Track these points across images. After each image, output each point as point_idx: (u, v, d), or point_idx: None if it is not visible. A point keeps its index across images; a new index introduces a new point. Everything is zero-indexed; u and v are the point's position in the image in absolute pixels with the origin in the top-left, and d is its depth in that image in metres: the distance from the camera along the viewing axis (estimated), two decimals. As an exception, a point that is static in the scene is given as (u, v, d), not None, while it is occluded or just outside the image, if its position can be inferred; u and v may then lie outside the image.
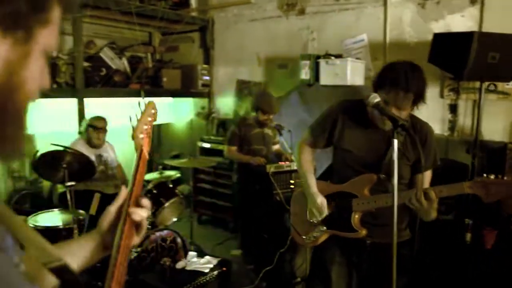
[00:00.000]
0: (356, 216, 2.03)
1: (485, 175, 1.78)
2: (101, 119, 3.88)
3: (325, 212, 2.10)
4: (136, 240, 0.94)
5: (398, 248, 1.73)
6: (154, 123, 1.12)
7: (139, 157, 1.01)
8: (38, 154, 3.22)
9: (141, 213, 0.91)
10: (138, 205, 0.93)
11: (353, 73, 3.98)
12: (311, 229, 2.20)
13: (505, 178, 1.76)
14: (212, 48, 5.60)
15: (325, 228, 2.15)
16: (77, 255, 0.90)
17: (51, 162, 3.19)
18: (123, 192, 0.95)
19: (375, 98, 1.77)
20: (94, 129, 3.81)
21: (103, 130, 3.87)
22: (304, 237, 2.24)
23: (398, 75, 1.83)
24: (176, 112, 6.07)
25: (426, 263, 2.95)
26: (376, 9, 4.28)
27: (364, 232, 2.03)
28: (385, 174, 1.97)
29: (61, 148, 3.21)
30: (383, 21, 4.24)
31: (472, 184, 1.79)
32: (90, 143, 3.83)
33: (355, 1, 4.42)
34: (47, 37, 0.60)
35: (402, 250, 1.92)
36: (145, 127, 1.06)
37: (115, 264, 0.82)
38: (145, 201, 0.94)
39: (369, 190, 2.00)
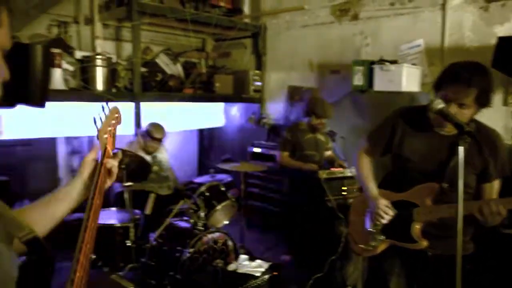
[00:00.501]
0: (417, 226, 1.95)
1: None
2: (161, 130, 3.96)
3: (391, 213, 2.03)
4: (109, 183, 1.18)
5: (462, 262, 1.67)
6: (119, 125, 1.32)
7: (103, 153, 1.19)
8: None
9: (112, 162, 1.16)
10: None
11: (408, 79, 3.88)
12: (370, 238, 2.13)
13: None
14: (264, 54, 5.65)
15: (383, 237, 2.09)
16: (67, 199, 1.15)
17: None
18: (95, 149, 1.18)
19: (439, 104, 1.72)
20: (152, 138, 3.91)
21: (160, 141, 3.97)
22: (362, 246, 2.18)
23: (460, 69, 1.78)
24: (227, 117, 6.17)
25: (489, 279, 2.80)
26: (433, 13, 4.15)
27: (424, 243, 1.95)
28: (448, 183, 1.88)
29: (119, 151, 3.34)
30: (441, 25, 4.10)
31: None
32: (144, 149, 3.96)
33: (411, 6, 4.32)
34: (1, 37, 0.69)
35: (465, 264, 1.83)
36: (109, 128, 1.23)
37: (92, 202, 1.04)
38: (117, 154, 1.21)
39: (431, 200, 1.92)
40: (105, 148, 1.20)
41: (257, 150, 5.08)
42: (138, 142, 4.00)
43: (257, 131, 5.58)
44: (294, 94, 5.30)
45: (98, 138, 1.19)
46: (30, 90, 2.38)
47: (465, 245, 1.85)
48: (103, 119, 1.23)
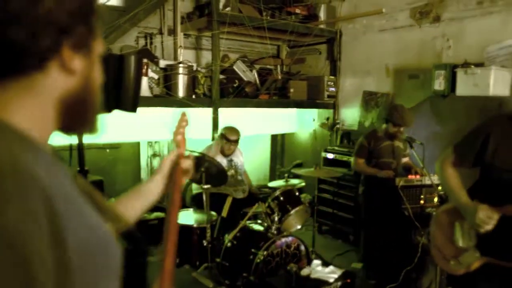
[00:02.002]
0: None
1: None
2: (235, 132, 4.13)
3: (495, 216, 1.82)
4: (183, 180, 1.30)
5: None
6: (187, 127, 1.42)
7: (178, 155, 1.31)
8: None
9: (188, 161, 1.28)
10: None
11: (496, 82, 3.65)
12: (460, 253, 1.95)
13: None
14: (339, 60, 5.61)
15: (478, 254, 1.89)
16: (148, 195, 1.24)
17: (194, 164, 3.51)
18: (172, 153, 1.29)
19: None
20: (227, 141, 4.08)
21: (236, 142, 4.13)
22: (452, 262, 2.00)
23: None
24: (301, 122, 6.20)
25: None
26: (527, 11, 3.87)
27: None
28: None
29: (200, 155, 3.52)
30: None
31: None
32: (222, 152, 4.13)
33: (502, 3, 4.05)
34: (98, 46, 0.79)
35: None
36: (181, 130, 1.37)
37: (174, 198, 1.17)
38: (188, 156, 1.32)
39: None
40: (179, 148, 1.33)
41: (330, 156, 5.06)
42: (216, 145, 4.18)
43: (331, 137, 5.55)
44: (369, 99, 5.20)
45: (173, 139, 1.34)
46: (124, 96, 2.61)
47: None
48: (175, 123, 1.39)
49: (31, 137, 0.68)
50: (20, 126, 0.67)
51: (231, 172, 4.09)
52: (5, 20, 0.63)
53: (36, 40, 0.65)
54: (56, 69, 0.70)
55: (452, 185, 2.05)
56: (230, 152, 4.15)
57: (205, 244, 3.39)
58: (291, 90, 5.15)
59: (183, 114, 1.41)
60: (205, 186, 3.40)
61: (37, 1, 0.65)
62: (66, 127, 0.78)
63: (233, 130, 4.14)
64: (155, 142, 5.26)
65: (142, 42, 4.96)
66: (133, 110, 2.82)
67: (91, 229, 0.70)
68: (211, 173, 3.47)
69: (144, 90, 4.10)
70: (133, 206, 1.20)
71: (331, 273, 3.02)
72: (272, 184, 4.17)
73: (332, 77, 5.49)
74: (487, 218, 1.82)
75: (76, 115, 0.78)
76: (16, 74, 0.67)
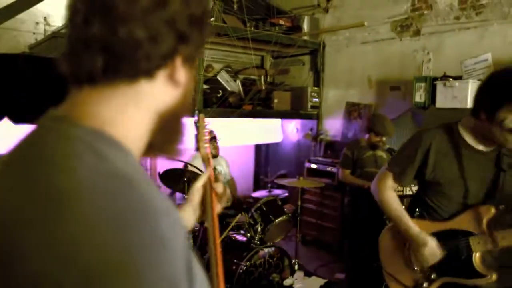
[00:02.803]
0: (478, 257, 1.75)
1: None
2: (210, 131, 4.14)
3: (439, 255, 1.79)
4: (219, 207, 1.21)
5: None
6: (210, 129, 1.41)
7: (208, 163, 1.29)
8: (164, 169, 3.56)
9: (220, 187, 1.20)
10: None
11: (474, 95, 3.73)
12: (416, 277, 1.87)
13: None
14: (322, 71, 5.68)
15: (435, 275, 1.84)
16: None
17: (174, 176, 3.49)
18: (205, 175, 1.21)
19: None
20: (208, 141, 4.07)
21: (215, 139, 4.10)
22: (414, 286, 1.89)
23: None
24: (285, 133, 6.23)
25: None
26: (503, 26, 3.98)
27: (494, 276, 1.73)
28: (500, 204, 1.75)
29: (181, 166, 3.50)
30: (511, 38, 3.92)
31: None
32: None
33: (479, 19, 4.16)
34: (196, 62, 0.72)
35: None
36: (205, 137, 1.32)
37: (213, 225, 1.11)
38: (219, 179, 1.24)
39: (486, 225, 1.74)
40: (208, 158, 1.30)
41: (313, 166, 5.09)
42: (198, 155, 4.16)
43: (314, 147, 5.59)
44: (352, 110, 5.26)
45: (198, 149, 1.29)
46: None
47: None
48: (197, 131, 1.33)
49: (132, 153, 0.61)
50: (122, 140, 0.61)
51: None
52: (130, 15, 0.58)
53: (154, 43, 0.60)
54: (163, 78, 0.64)
55: (396, 211, 1.91)
56: (216, 152, 4.11)
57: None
58: (275, 100, 5.18)
59: (202, 117, 1.32)
60: (187, 196, 3.37)
61: (165, 2, 0.60)
62: (152, 146, 0.68)
63: (208, 131, 4.14)
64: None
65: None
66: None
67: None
68: (193, 183, 3.44)
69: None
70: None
71: (313, 284, 3.02)
72: (256, 194, 4.17)
73: (315, 88, 5.54)
74: (431, 256, 1.79)
75: (168, 133, 0.70)
76: (126, 77, 0.61)
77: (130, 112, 0.62)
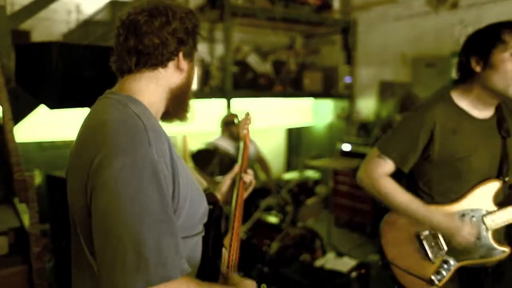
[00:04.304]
0: (491, 234, 1.66)
1: None
2: (233, 114, 4.15)
3: (475, 229, 1.63)
4: (244, 195, 1.42)
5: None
6: (251, 125, 1.56)
7: (244, 144, 1.48)
8: (195, 149, 3.59)
9: (249, 176, 1.41)
10: (246, 173, 1.42)
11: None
12: (434, 266, 1.70)
13: None
14: (354, 50, 5.53)
15: (453, 260, 1.70)
16: None
17: (205, 156, 3.51)
18: (236, 167, 1.42)
19: None
20: (232, 123, 4.07)
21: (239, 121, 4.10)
22: (432, 277, 1.71)
23: (501, 22, 1.60)
24: (317, 114, 6.15)
25: None
26: (548, -4, 3.73)
27: (508, 249, 1.65)
28: (507, 176, 1.67)
29: (210, 147, 3.52)
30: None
31: None
32: (232, 136, 4.09)
33: (521, -12, 3.92)
34: (195, 58, 1.16)
35: None
36: (246, 126, 1.52)
37: (236, 208, 1.32)
38: (249, 171, 1.43)
39: (494, 201, 1.66)
40: (245, 141, 1.49)
41: (346, 147, 5.00)
42: (224, 133, 4.17)
43: (347, 128, 5.49)
44: (385, 89, 5.11)
45: (239, 133, 1.50)
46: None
47: None
48: (241, 119, 1.55)
49: (149, 111, 1.06)
50: (145, 102, 1.06)
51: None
52: (150, 31, 1.04)
53: (165, 45, 1.05)
54: (173, 67, 1.09)
55: (406, 202, 1.68)
56: (238, 135, 4.11)
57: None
58: (306, 81, 5.11)
59: (247, 114, 1.55)
60: (218, 179, 3.39)
61: (169, 22, 1.05)
62: (168, 113, 1.14)
63: (231, 114, 4.15)
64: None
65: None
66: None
67: (189, 176, 1.07)
68: (224, 164, 3.46)
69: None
70: None
71: (345, 264, 3.00)
72: (287, 175, 4.15)
73: (347, 67, 5.41)
74: (470, 237, 1.63)
75: (178, 103, 1.13)
76: (149, 66, 1.07)
77: (151, 87, 1.09)
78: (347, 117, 5.42)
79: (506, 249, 1.67)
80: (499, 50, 1.53)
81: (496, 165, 1.68)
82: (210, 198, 1.20)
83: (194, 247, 1.11)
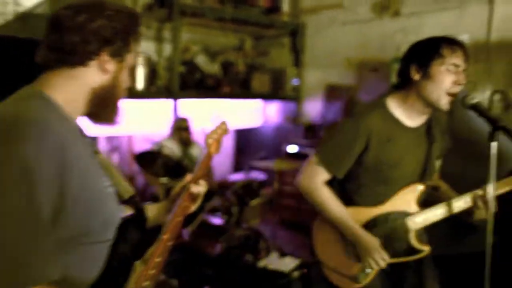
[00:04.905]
0: (413, 235, 1.77)
1: None
2: (185, 120, 4.13)
3: (386, 260, 1.72)
4: (193, 208, 1.32)
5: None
6: (225, 135, 1.45)
7: (206, 154, 1.36)
8: (140, 150, 3.51)
9: (198, 188, 1.26)
10: (197, 184, 1.28)
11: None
12: (360, 265, 1.79)
13: None
14: (303, 52, 5.61)
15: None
16: (154, 210, 1.34)
17: (149, 159, 3.44)
18: (188, 176, 1.30)
19: (474, 99, 1.62)
20: (183, 129, 4.04)
21: (188, 128, 4.07)
22: (356, 275, 1.79)
23: (441, 37, 1.69)
24: (264, 116, 6.19)
25: None
26: (480, 7, 3.97)
27: (427, 248, 1.79)
28: (429, 179, 1.80)
29: (156, 147, 3.46)
30: (488, 20, 3.91)
31: None
32: (182, 141, 4.06)
33: (457, 0, 4.14)
34: (131, 59, 1.11)
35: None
36: (215, 135, 1.39)
37: (173, 218, 1.19)
38: (202, 182, 1.29)
39: (416, 203, 1.77)
40: (208, 150, 1.36)
41: (292, 148, 5.07)
42: (173, 136, 4.12)
43: (294, 130, 5.56)
44: (332, 92, 5.23)
45: (205, 140, 1.36)
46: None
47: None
48: (213, 127, 1.41)
49: (61, 108, 1.00)
50: (57, 99, 1.00)
51: (185, 163, 4.04)
52: (71, 28, 0.99)
53: (86, 44, 1.00)
54: (95, 67, 1.04)
55: (338, 213, 1.76)
56: (187, 140, 4.08)
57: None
58: (254, 82, 5.13)
59: (223, 124, 1.43)
60: (163, 180, 3.34)
61: (93, 19, 1.00)
62: (93, 114, 1.09)
63: (182, 119, 4.15)
64: (113, 136, 5.13)
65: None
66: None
67: (91, 179, 0.99)
68: (168, 166, 3.41)
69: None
70: (151, 213, 1.32)
71: (288, 264, 3.03)
72: (233, 177, 4.15)
73: (295, 69, 5.49)
74: (381, 260, 1.72)
75: (102, 104, 1.08)
76: (67, 65, 1.02)
77: (69, 85, 1.03)
78: (294, 119, 5.49)
79: (426, 249, 1.79)
80: (438, 63, 1.62)
81: (420, 169, 1.79)
82: (132, 205, 1.12)
83: (91, 255, 1.02)
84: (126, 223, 1.09)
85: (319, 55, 5.46)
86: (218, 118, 1.46)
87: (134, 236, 1.12)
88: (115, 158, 5.04)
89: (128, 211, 1.13)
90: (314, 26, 5.49)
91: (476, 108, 1.62)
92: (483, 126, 1.60)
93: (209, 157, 1.35)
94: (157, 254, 1.11)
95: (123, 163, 5.15)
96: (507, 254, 1.92)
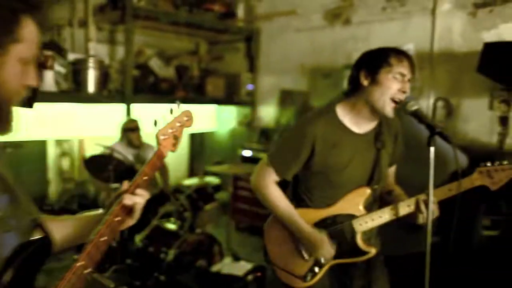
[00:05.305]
0: (359, 236, 1.84)
1: (488, 163, 1.80)
2: (134, 121, 4.05)
3: (333, 251, 1.81)
4: (130, 222, 1.09)
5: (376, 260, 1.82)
6: (188, 129, 1.24)
7: (156, 153, 1.15)
8: (89, 155, 3.40)
9: (134, 199, 1.05)
10: (134, 194, 1.08)
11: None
12: (307, 265, 1.85)
13: (504, 163, 1.80)
14: (257, 58, 5.68)
15: (324, 260, 1.85)
16: (81, 230, 1.11)
17: (99, 164, 3.35)
18: (125, 183, 1.09)
19: (414, 106, 1.69)
20: (131, 130, 3.95)
21: (138, 129, 3.98)
22: (304, 274, 1.85)
23: (390, 47, 1.77)
24: (219, 120, 6.20)
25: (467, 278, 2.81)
26: (424, 18, 4.18)
27: (374, 250, 1.86)
28: (377, 184, 1.87)
29: (106, 151, 3.37)
30: (431, 30, 4.13)
31: (479, 175, 1.79)
32: (131, 144, 3.96)
33: (402, 11, 4.35)
34: (21, 50, 0.87)
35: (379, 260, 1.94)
36: (170, 130, 1.18)
37: (94, 239, 0.99)
38: (140, 191, 1.08)
39: (364, 206, 1.84)
40: (158, 149, 1.16)
41: (247, 153, 5.10)
42: (122, 139, 4.02)
43: (248, 134, 5.60)
44: (285, 97, 5.32)
45: (156, 137, 1.16)
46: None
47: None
48: (168, 120, 1.20)
49: None
50: None
51: (138, 167, 3.96)
52: None
53: None
54: None
55: (285, 211, 1.82)
56: (138, 142, 3.98)
57: (113, 246, 3.25)
58: (209, 87, 5.13)
59: (185, 112, 1.23)
60: (114, 185, 3.26)
61: None
62: None
63: (131, 120, 4.05)
64: (65, 140, 4.97)
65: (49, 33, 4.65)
66: (29, 105, 2.61)
67: None
68: (120, 171, 3.33)
69: (49, 85, 3.85)
70: (62, 233, 1.10)
71: (242, 268, 3.05)
72: (187, 182, 4.12)
73: (250, 75, 5.54)
74: (328, 255, 1.80)
75: None
76: None
77: None
78: (249, 123, 5.54)
79: (372, 250, 1.86)
80: (385, 70, 1.70)
81: (368, 174, 1.85)
82: (36, 229, 0.95)
83: None
84: (20, 248, 0.89)
85: (274, 61, 5.55)
86: (177, 107, 1.23)
87: (31, 267, 0.91)
88: (65, 163, 4.88)
89: (32, 236, 0.94)
90: (269, 32, 5.58)
91: (415, 114, 1.69)
92: (425, 131, 1.69)
93: (159, 157, 1.14)
94: (71, 274, 0.93)
95: (74, 168, 4.99)
96: (448, 254, 2.03)
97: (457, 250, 2.46)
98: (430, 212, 1.65)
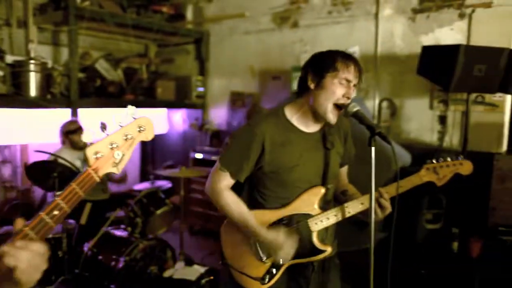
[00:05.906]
0: (316, 235, 1.85)
1: (434, 160, 1.90)
2: (74, 122, 3.91)
3: (295, 244, 1.79)
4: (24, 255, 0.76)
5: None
6: (143, 139, 0.98)
7: (78, 178, 0.86)
8: (31, 162, 3.24)
9: (18, 256, 0.72)
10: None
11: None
12: (265, 266, 1.84)
13: (448, 159, 1.92)
14: (207, 60, 5.67)
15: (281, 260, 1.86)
16: None
17: (43, 171, 3.21)
18: (19, 221, 0.80)
19: (355, 107, 1.74)
20: (73, 132, 3.81)
21: (81, 129, 3.84)
22: (262, 275, 1.84)
23: (338, 51, 1.78)
24: (170, 123, 6.12)
25: (411, 271, 2.95)
26: (367, 22, 4.34)
27: (330, 249, 1.87)
28: (330, 183, 1.91)
29: (50, 157, 3.23)
30: (375, 34, 4.30)
31: (426, 172, 1.89)
32: (75, 147, 3.81)
33: (347, 15, 4.49)
34: None
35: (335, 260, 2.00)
36: (113, 145, 0.93)
37: None
38: (36, 245, 0.76)
39: (319, 205, 1.86)
40: (86, 170, 0.88)
41: (199, 155, 5.08)
42: (65, 143, 3.87)
43: (200, 137, 5.58)
44: (236, 99, 5.35)
45: (84, 156, 0.89)
46: None
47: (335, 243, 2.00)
48: (111, 131, 0.94)
49: None
50: None
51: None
52: None
53: None
54: None
55: (241, 215, 1.81)
56: (81, 143, 3.83)
57: (60, 255, 3.13)
58: (159, 90, 5.06)
59: (141, 121, 0.99)
60: (58, 193, 3.13)
61: None
62: None
63: (70, 122, 3.90)
64: (6, 146, 4.71)
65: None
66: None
67: None
68: (64, 178, 3.21)
69: (-15, 89, 3.65)
70: None
71: (195, 272, 3.03)
72: (138, 187, 4.04)
73: (200, 77, 5.51)
74: (287, 255, 1.79)
75: None
76: None
77: None
78: (200, 126, 5.51)
79: (328, 249, 1.88)
80: (331, 75, 1.71)
81: (320, 173, 1.88)
82: None
83: None
84: None
85: (223, 63, 5.56)
86: (130, 114, 0.98)
87: None
88: (6, 170, 4.63)
89: None
90: (218, 35, 5.58)
91: (356, 115, 1.74)
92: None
93: (90, 180, 0.85)
94: None
95: (16, 176, 4.75)
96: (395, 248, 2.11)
97: (402, 244, 2.58)
98: (373, 210, 1.70)
